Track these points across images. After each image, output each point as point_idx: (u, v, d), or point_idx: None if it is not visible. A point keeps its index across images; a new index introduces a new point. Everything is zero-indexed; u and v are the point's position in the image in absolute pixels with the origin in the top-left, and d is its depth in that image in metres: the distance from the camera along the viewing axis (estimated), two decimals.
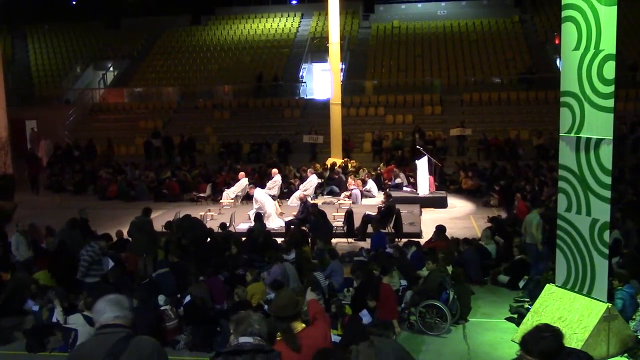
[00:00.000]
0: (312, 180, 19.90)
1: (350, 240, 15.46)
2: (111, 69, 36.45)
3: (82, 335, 9.03)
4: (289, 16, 38.18)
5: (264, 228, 14.60)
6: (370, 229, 15.31)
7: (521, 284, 11.06)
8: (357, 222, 15.70)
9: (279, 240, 14.09)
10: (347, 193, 19.69)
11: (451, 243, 13.03)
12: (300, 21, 37.71)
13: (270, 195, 17.31)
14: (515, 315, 9.92)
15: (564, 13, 8.44)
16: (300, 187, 19.76)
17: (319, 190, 20.60)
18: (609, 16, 7.82)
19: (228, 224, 14.94)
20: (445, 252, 11.43)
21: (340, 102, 24.20)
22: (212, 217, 16.98)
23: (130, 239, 13.43)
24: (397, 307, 9.72)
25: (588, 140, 8.18)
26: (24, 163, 24.09)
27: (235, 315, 4.14)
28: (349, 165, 23.26)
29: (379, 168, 22.92)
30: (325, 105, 25.93)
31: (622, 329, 8.34)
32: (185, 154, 26.77)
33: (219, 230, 14.29)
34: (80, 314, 9.16)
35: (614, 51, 7.86)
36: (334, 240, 14.94)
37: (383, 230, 14.88)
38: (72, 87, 34.96)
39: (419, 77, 31.72)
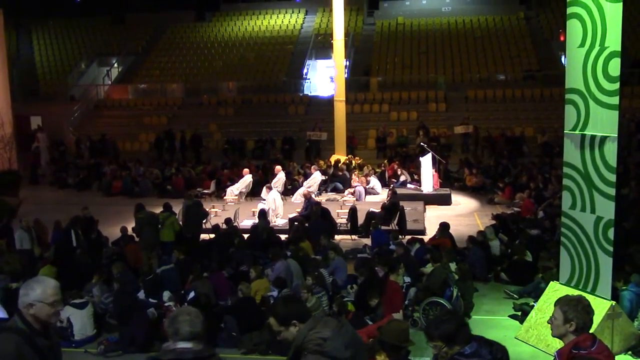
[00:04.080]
0: (316, 177, 19.92)
1: (354, 237, 15.47)
2: (116, 65, 36.45)
3: (76, 322, 9.15)
4: (293, 13, 38.14)
5: (268, 225, 14.62)
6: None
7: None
8: (361, 219, 15.71)
9: (283, 237, 14.11)
10: (351, 190, 19.68)
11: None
12: (305, 18, 37.65)
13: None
14: (519, 313, 9.91)
15: (569, 10, 8.41)
16: (304, 184, 19.78)
17: (323, 187, 20.60)
18: (614, 13, 7.79)
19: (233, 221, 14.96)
20: (448, 250, 11.43)
21: (344, 99, 24.18)
22: (216, 214, 17.00)
23: (134, 235, 13.47)
24: (403, 304, 9.72)
25: (593, 137, 8.16)
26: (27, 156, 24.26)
27: (172, 314, 3.71)
28: (353, 162, 23.25)
29: (382, 165, 22.91)
30: (329, 102, 25.92)
31: (626, 327, 8.33)
32: (191, 150, 26.81)
33: (224, 226, 14.31)
34: (68, 305, 9.29)
35: (619, 48, 7.83)
36: (337, 237, 14.98)
37: (386, 227, 14.90)
38: (76, 83, 35.01)
39: (423, 73, 31.64)
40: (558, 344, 7.94)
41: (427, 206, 18.23)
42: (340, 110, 23.85)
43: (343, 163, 22.54)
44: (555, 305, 4.15)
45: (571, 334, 4.04)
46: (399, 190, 18.38)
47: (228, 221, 14.50)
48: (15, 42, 37.10)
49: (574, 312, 4.03)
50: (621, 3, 7.75)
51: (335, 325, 3.45)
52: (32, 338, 3.75)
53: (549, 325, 4.26)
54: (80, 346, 9.15)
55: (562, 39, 30.36)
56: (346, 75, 26.41)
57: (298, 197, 18.42)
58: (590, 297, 8.29)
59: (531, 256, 11.93)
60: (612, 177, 7.98)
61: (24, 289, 3.82)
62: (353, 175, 20.98)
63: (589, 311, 4.08)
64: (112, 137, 28.30)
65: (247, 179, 19.60)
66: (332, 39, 24.35)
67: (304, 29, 36.68)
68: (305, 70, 33.44)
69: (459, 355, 3.83)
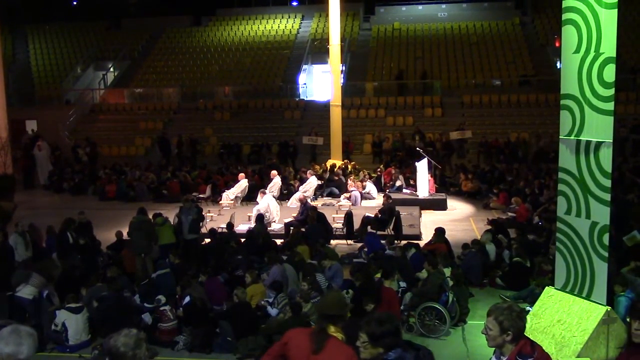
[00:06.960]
0: (312, 182, 19.91)
1: (349, 242, 15.47)
2: (112, 69, 36.44)
3: (71, 326, 9.12)
4: (289, 18, 38.20)
5: (264, 229, 14.61)
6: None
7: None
8: (357, 223, 15.71)
9: (279, 241, 14.09)
10: (347, 195, 19.68)
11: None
12: (301, 23, 37.72)
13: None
14: None
15: (565, 16, 8.44)
16: (300, 188, 19.77)
17: (319, 192, 20.60)
18: (609, 19, 7.82)
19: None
20: (444, 255, 11.43)
21: (340, 104, 24.20)
22: (212, 218, 16.98)
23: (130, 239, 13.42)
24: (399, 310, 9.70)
25: (588, 143, 8.17)
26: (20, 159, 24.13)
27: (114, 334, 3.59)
28: (349, 167, 23.26)
29: (379, 170, 22.92)
30: (325, 107, 25.92)
31: (621, 332, 8.32)
32: (187, 154, 26.79)
33: (224, 230, 14.30)
34: (63, 309, 9.32)
35: (614, 54, 7.85)
36: (333, 242, 14.97)
37: (382, 232, 14.90)
38: (72, 88, 34.93)
39: (419, 79, 31.71)
40: (553, 348, 7.97)
41: (422, 211, 18.22)
42: (336, 115, 23.90)
43: (339, 168, 22.56)
44: (487, 315, 4.09)
45: (508, 343, 4.01)
46: (395, 195, 18.39)
47: (230, 225, 14.50)
48: (11, 46, 37.05)
49: (509, 321, 3.97)
50: (616, 9, 7.79)
51: None
52: None
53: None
54: (75, 351, 9.10)
55: (557, 44, 30.51)
56: (342, 80, 26.44)
57: (294, 202, 18.41)
58: (585, 303, 8.35)
59: (528, 261, 11.94)
60: (607, 183, 7.99)
61: (9, 332, 3.49)
62: (349, 180, 20.99)
63: (522, 317, 4.03)
64: (96, 142, 28.27)
65: (243, 183, 19.59)
66: (328, 44, 24.39)
67: (300, 34, 36.73)
68: (301, 76, 33.45)
69: None
